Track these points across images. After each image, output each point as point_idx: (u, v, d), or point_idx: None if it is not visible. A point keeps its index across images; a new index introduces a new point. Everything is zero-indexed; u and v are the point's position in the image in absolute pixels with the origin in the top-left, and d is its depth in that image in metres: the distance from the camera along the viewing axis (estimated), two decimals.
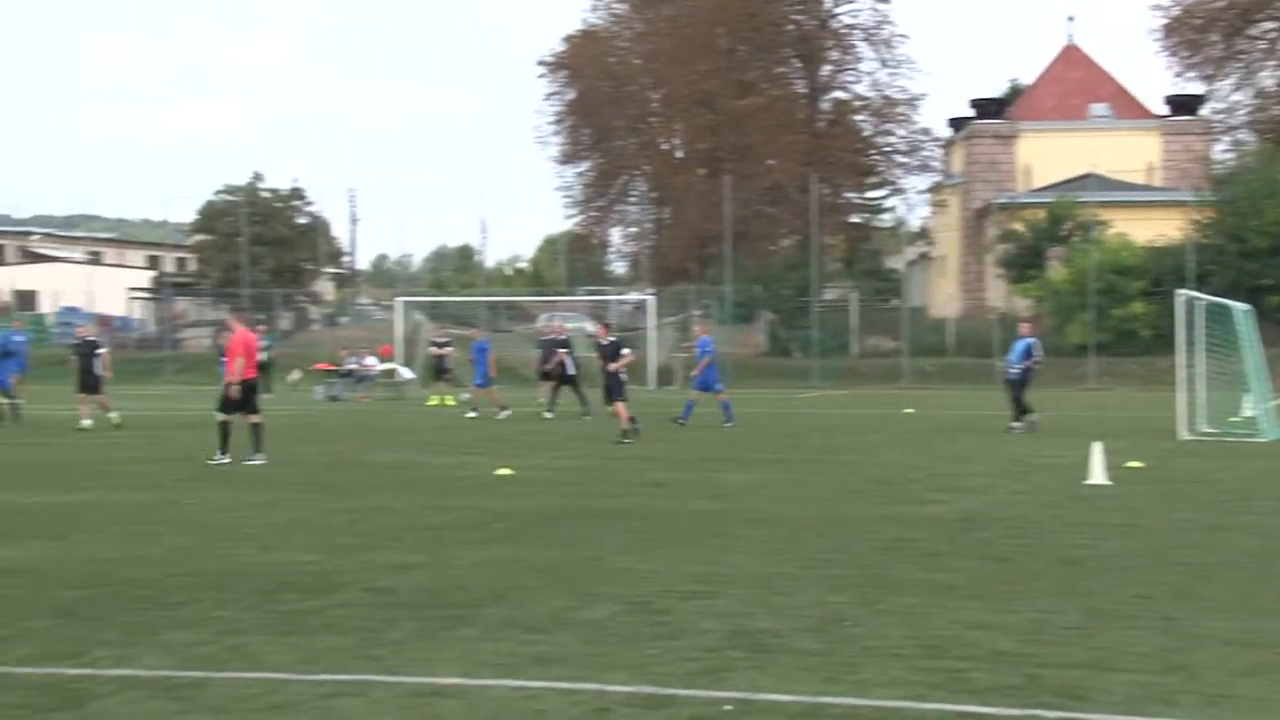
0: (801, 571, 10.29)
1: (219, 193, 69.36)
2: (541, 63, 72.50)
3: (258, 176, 69.82)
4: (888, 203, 77.41)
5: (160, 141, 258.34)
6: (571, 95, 72.42)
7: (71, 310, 61.40)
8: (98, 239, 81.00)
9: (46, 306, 64.20)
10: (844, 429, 27.72)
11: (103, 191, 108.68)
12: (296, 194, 69.88)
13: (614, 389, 24.06)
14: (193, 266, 74.28)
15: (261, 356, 41.43)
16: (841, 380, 52.67)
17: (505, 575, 10.06)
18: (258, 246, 64.37)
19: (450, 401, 36.56)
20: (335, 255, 79.69)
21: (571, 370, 31.25)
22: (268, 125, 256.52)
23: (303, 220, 69.87)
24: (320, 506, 14.18)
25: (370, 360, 42.25)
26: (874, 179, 74.52)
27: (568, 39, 72.48)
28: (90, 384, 26.24)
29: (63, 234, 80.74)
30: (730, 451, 21.61)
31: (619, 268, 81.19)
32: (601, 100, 71.08)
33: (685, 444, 23.15)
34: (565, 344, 31.64)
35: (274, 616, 8.55)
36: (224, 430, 19.18)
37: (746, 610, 8.78)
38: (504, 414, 30.13)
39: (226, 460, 18.79)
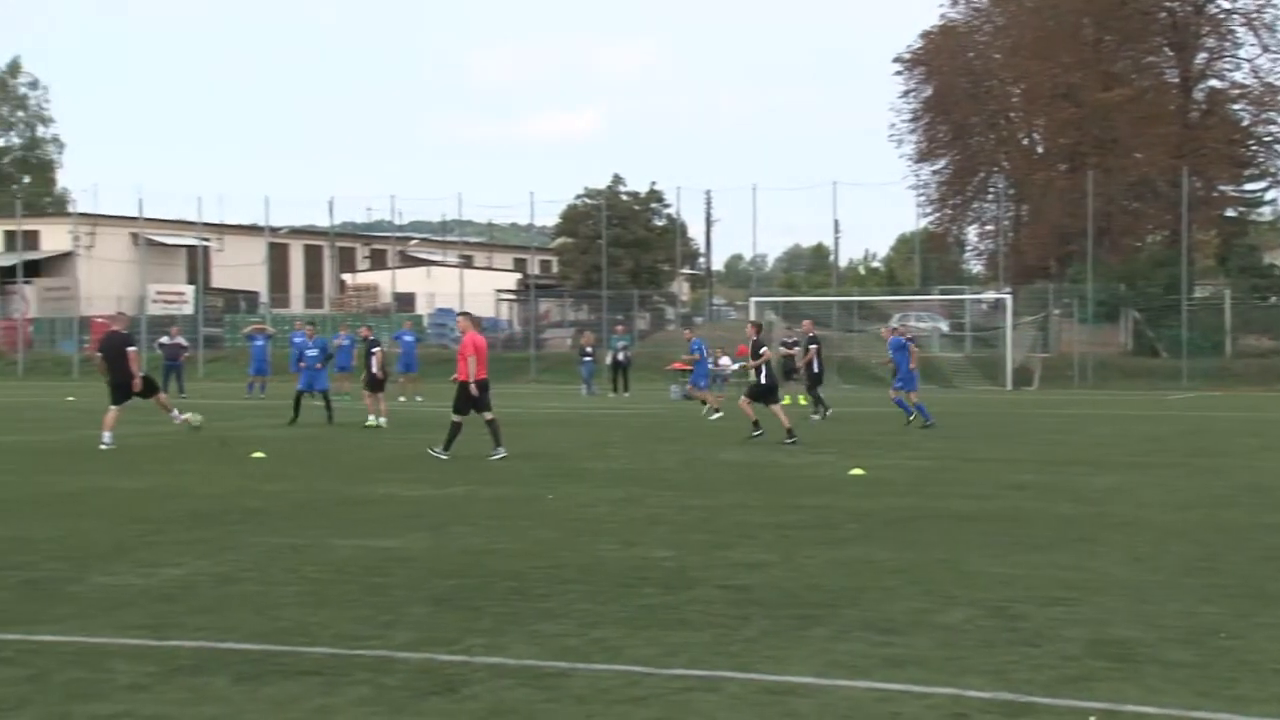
0: (1171, 580, 9.88)
1: (580, 196, 71.53)
2: (898, 60, 71.65)
3: (617, 180, 71.65)
4: (1268, 195, 73.08)
5: (527, 148, 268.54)
6: (928, 92, 71.31)
7: (445, 311, 64.42)
8: (469, 243, 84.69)
9: (423, 308, 67.56)
10: (1216, 432, 26.38)
11: (474, 197, 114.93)
12: (654, 196, 71.34)
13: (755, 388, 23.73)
14: (555, 268, 76.83)
15: (619, 356, 43.17)
16: (1213, 381, 50.11)
17: (859, 576, 10.03)
18: (616, 248, 66.02)
19: (803, 400, 36.60)
20: (691, 256, 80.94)
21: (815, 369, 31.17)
22: (628, 129, 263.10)
23: (660, 222, 71.26)
24: (675, 503, 14.45)
25: (724, 360, 42.73)
26: (1252, 171, 70.48)
27: (925, 35, 71.39)
28: (373, 382, 27.52)
29: (437, 239, 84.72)
30: (1094, 454, 20.90)
31: (975, 266, 79.50)
32: (959, 96, 69.72)
33: (1047, 446, 22.52)
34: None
35: (633, 610, 8.77)
36: (454, 430, 19.85)
37: (1111, 618, 8.49)
38: (715, 415, 30.31)
39: (446, 456, 19.46)
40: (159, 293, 68.41)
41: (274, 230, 71.22)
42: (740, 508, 14.09)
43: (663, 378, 45.73)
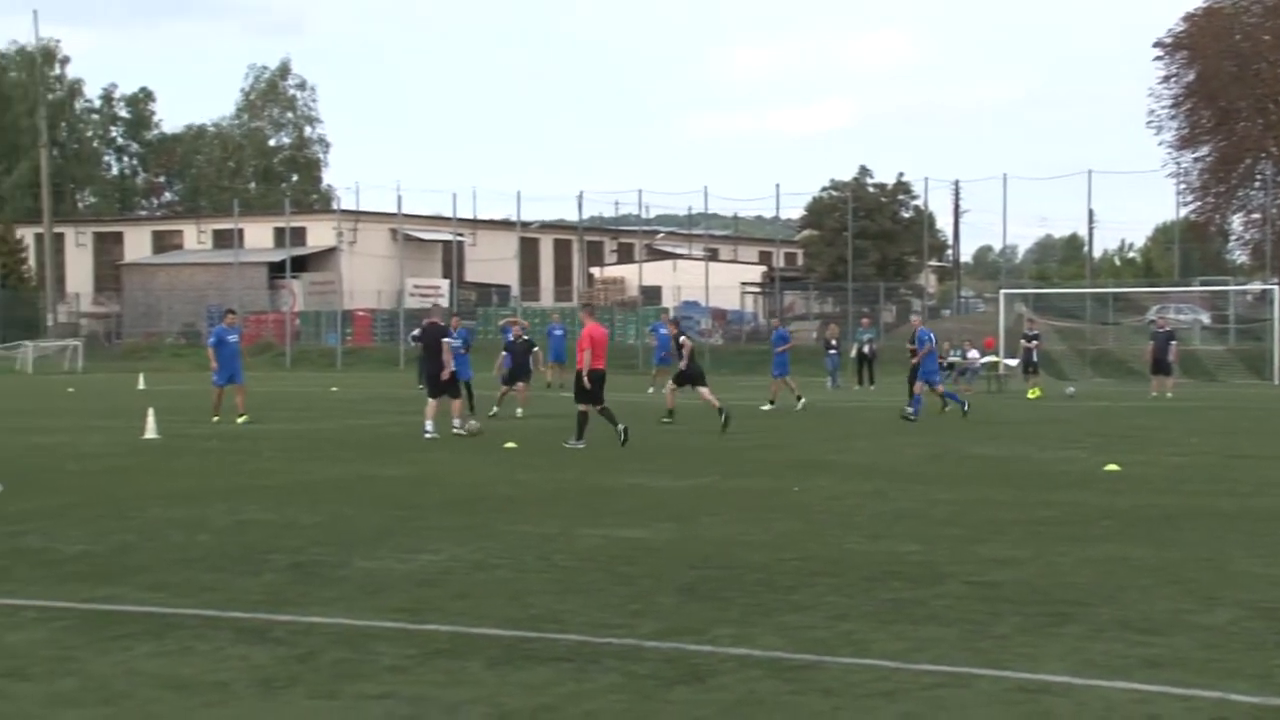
0: None
1: (826, 189, 71.10)
2: (1158, 44, 69.24)
3: (864, 171, 71.02)
4: None
5: (773, 141, 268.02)
6: (1190, 77, 68.68)
7: (692, 304, 64.85)
8: (714, 236, 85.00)
9: (668, 301, 68.10)
10: None
11: (720, 190, 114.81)
12: (902, 188, 70.49)
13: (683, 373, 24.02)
14: (801, 261, 76.55)
15: (865, 349, 42.80)
16: None
17: (1114, 574, 9.76)
18: (863, 240, 65.44)
19: (1037, 393, 36.69)
20: (939, 248, 79.67)
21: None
22: (876, 121, 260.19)
23: (907, 214, 70.38)
24: (923, 497, 14.29)
25: (973, 353, 42.02)
26: None
27: (1187, 18, 68.72)
28: (519, 375, 27.83)
29: (684, 232, 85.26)
30: None
31: (1240, 256, 76.21)
32: (1224, 80, 66.91)
33: None
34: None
35: (880, 604, 8.71)
36: (581, 419, 20.31)
37: None
38: (800, 403, 29.93)
39: (581, 445, 19.93)
40: (416, 286, 70.62)
41: (525, 225, 72.73)
42: (989, 503, 13.85)
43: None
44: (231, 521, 12.56)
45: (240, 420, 25.30)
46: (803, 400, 30.45)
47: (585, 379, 20.54)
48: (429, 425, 22.05)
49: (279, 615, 8.38)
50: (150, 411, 22.86)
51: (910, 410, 26.29)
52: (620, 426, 20.41)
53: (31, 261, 78.56)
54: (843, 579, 9.55)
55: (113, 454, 19.65)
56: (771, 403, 30.60)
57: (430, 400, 22.41)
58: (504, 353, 28.51)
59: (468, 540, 11.35)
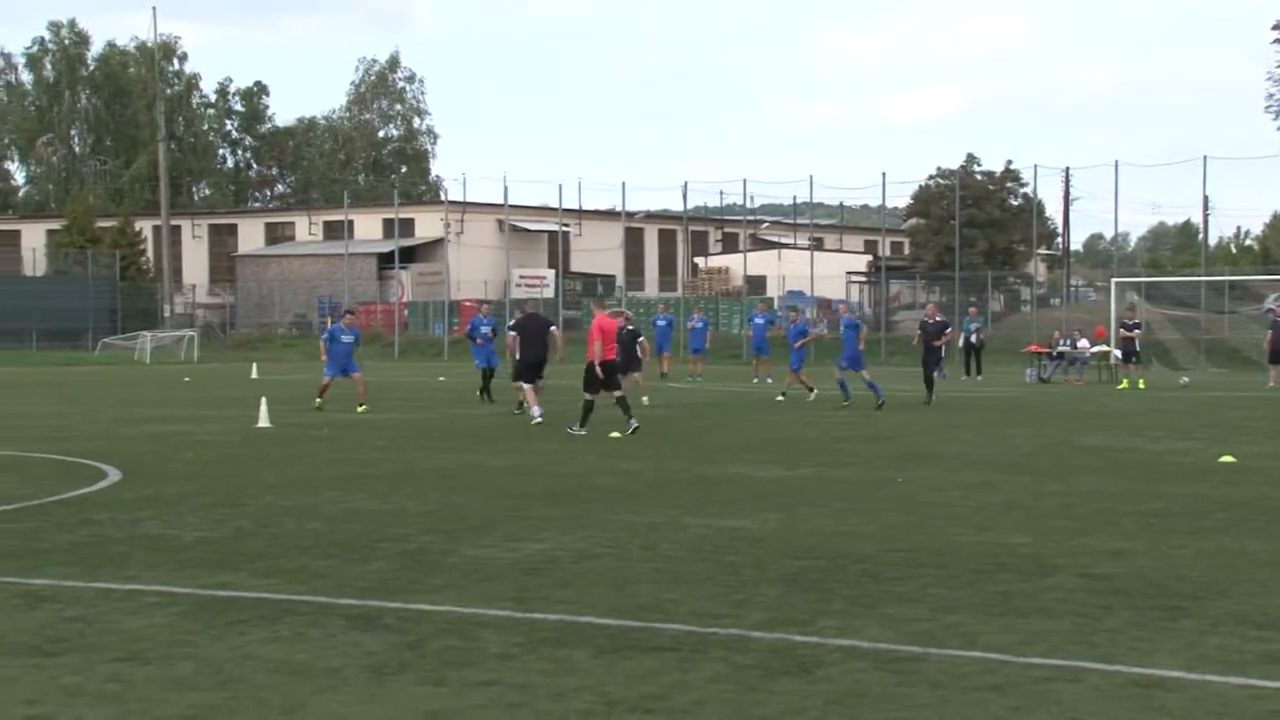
0: None
1: (933, 177, 70.40)
2: (1277, 26, 67.74)
3: (972, 159, 70.16)
4: None
5: (879, 129, 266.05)
6: None
7: (796, 294, 64.53)
8: (819, 225, 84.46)
9: (773, 290, 67.86)
10: None
11: (825, 179, 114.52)
12: (1010, 175, 69.55)
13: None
14: (907, 250, 75.87)
15: (972, 338, 42.35)
16: None
17: (1230, 567, 9.59)
18: (970, 229, 64.69)
19: (1142, 384, 36.13)
20: (1048, 236, 78.53)
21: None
22: (984, 108, 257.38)
23: (1016, 201, 69.45)
24: (1032, 489, 14.11)
25: (1083, 343, 41.40)
26: None
27: None
28: (629, 365, 27.78)
29: (788, 221, 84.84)
30: None
31: None
32: None
33: None
34: None
35: (988, 597, 8.63)
36: (587, 407, 20.90)
37: None
38: (810, 396, 29.41)
39: (583, 432, 20.40)
40: (522, 277, 71.04)
41: (630, 215, 72.81)
42: (1100, 494, 13.65)
43: (1017, 360, 44.63)
44: (341, 509, 12.75)
45: (360, 409, 25.65)
46: (814, 393, 29.75)
47: (598, 369, 20.88)
48: (535, 411, 22.30)
49: (389, 603, 8.50)
50: (263, 401, 23.26)
51: (880, 399, 26.42)
52: (633, 422, 20.52)
53: (149, 253, 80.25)
54: (949, 571, 9.47)
55: (227, 443, 20.02)
56: (787, 393, 30.16)
57: (525, 386, 22.75)
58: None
59: (572, 529, 11.42)
